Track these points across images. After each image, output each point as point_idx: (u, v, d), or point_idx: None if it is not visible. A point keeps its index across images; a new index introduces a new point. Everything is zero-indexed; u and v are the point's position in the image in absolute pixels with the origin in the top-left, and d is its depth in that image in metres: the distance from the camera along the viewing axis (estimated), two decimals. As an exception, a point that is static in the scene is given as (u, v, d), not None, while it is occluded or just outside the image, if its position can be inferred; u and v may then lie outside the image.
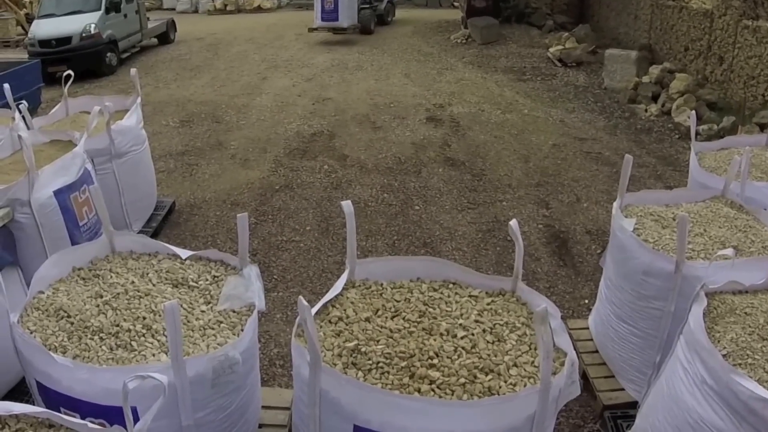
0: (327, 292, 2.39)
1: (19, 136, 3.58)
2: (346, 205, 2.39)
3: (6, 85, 4.63)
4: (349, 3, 14.38)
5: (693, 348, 2.23)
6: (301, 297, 1.85)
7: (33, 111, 5.32)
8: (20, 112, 4.35)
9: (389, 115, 8.73)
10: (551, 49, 11.97)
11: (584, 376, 3.40)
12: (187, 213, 5.84)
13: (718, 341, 2.27)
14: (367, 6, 15.85)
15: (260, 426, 2.83)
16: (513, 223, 2.28)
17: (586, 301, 4.34)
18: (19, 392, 3.26)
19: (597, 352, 3.50)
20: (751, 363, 2.13)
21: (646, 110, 8.61)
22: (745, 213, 3.32)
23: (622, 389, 3.25)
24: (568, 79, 10.52)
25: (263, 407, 2.90)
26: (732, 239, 3.03)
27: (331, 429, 1.97)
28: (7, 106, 4.71)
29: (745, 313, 2.40)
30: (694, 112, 4.31)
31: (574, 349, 2.08)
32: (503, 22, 14.21)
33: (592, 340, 3.59)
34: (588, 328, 3.69)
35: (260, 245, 5.17)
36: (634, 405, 3.10)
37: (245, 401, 2.50)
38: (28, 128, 4.52)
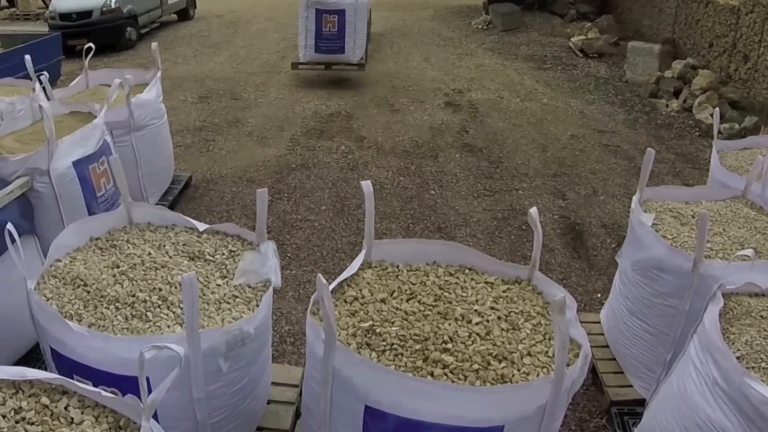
0: (340, 272, 2.39)
1: (40, 106, 3.59)
2: (366, 185, 2.36)
3: (27, 57, 4.65)
4: (359, 25, 8.92)
5: (706, 348, 2.21)
6: (319, 275, 1.85)
7: (52, 83, 5.34)
8: (41, 83, 4.36)
9: (407, 98, 8.68)
10: (573, 39, 11.80)
11: (593, 371, 3.39)
12: (203, 188, 5.86)
13: (733, 343, 2.25)
14: None
15: (269, 402, 2.85)
16: (533, 210, 2.26)
17: (599, 295, 4.32)
18: (32, 358, 3.31)
19: (607, 346, 3.49)
20: (765, 367, 2.12)
21: (667, 105, 8.50)
22: (766, 215, 3.28)
23: (631, 386, 3.24)
24: (589, 69, 10.39)
25: (272, 383, 2.92)
26: (751, 240, 2.99)
27: (341, 408, 1.98)
28: (27, 77, 4.73)
29: (761, 316, 2.38)
30: (717, 109, 4.24)
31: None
32: (525, 9, 14.00)
33: (603, 334, 3.57)
34: (599, 323, 3.67)
35: (275, 223, 5.19)
36: (641, 402, 3.09)
37: (256, 376, 2.52)
38: (48, 99, 4.54)
